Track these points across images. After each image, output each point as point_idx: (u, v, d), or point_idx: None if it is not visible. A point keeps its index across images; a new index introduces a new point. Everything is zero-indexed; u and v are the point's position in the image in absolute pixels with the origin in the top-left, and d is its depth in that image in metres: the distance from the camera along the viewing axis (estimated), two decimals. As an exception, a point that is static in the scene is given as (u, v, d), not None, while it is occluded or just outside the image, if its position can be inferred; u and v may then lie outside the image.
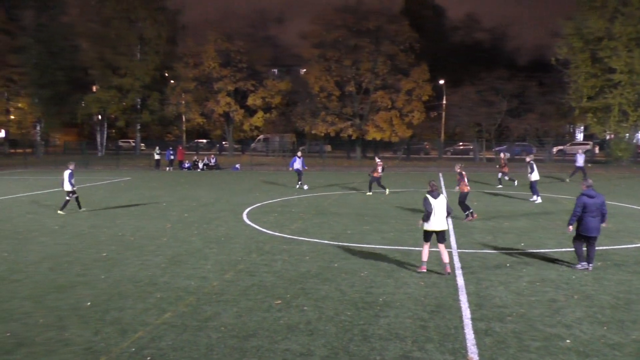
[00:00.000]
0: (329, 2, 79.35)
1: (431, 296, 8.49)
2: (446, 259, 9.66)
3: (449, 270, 9.62)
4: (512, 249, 11.79)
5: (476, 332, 7.02)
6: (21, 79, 49.94)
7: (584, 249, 10.13)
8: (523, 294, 8.62)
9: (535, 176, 19.77)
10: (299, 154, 25.18)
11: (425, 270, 9.62)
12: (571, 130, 61.91)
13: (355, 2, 48.39)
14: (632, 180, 29.53)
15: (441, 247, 9.67)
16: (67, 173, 17.20)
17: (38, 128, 56.33)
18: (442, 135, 54.43)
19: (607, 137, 44.85)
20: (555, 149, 48.61)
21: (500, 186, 25.33)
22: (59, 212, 17.05)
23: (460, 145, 57.63)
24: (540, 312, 7.78)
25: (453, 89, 50.69)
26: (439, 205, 9.56)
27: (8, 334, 6.94)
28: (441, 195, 9.73)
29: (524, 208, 18.17)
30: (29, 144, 56.83)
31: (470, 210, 15.52)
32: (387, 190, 22.47)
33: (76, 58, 51.94)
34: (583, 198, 9.86)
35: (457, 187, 15.62)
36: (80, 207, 17.61)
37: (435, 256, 10.20)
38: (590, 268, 9.96)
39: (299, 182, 24.44)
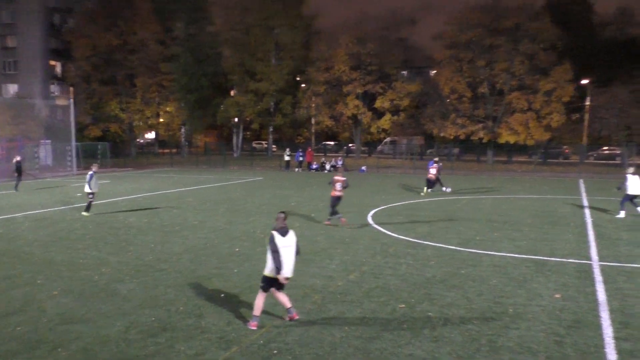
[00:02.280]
0: (465, 1, 77.23)
1: (568, 310, 7.89)
2: (288, 303, 7.49)
3: (296, 316, 7.49)
4: (666, 265, 10.59)
5: (619, 352, 6.40)
6: (170, 85, 54.68)
7: None
8: (678, 315, 7.70)
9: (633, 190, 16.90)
10: (437, 159, 24.80)
11: (255, 328, 7.20)
12: None
13: (493, 1, 46.50)
14: None
15: (280, 293, 7.49)
16: (88, 175, 16.83)
17: (183, 130, 61.30)
18: (585, 138, 50.36)
19: None
20: None
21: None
22: (83, 213, 16.85)
23: (605, 150, 53.00)
24: (699, 337, 6.90)
25: (600, 89, 46.66)
26: (289, 245, 7.29)
27: (153, 319, 7.60)
28: (290, 232, 7.39)
29: (682, 220, 16.24)
30: (175, 145, 62.06)
31: (339, 216, 14.95)
32: (428, 191, 23.38)
33: (219, 64, 55.74)
34: None
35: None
36: (87, 211, 16.84)
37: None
38: None
39: (442, 187, 24.16)
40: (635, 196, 16.72)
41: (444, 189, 23.98)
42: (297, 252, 7.46)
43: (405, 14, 61.22)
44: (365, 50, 51.23)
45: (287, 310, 7.47)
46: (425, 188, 23.77)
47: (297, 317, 7.47)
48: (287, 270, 7.21)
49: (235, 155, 57.45)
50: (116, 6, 53.72)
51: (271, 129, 59.87)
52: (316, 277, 9.71)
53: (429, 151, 54.85)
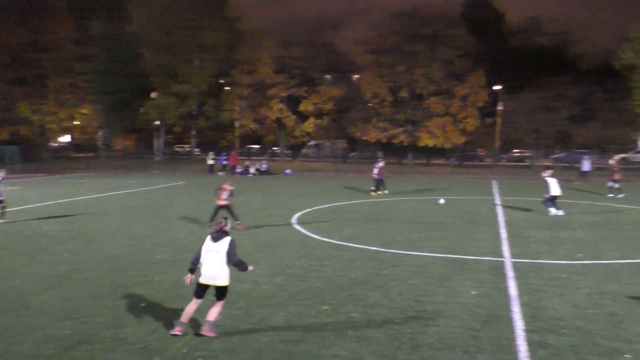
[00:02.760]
0: (386, 8, 79.32)
1: (483, 306, 8.31)
2: (213, 317, 7.10)
3: (212, 333, 7.01)
4: (569, 260, 11.39)
5: (530, 344, 6.82)
6: (86, 86, 52.31)
7: None
8: (580, 306, 8.32)
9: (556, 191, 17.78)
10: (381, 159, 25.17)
11: (179, 333, 7.01)
12: (636, 138, 59.09)
13: (413, 7, 48.18)
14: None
15: (218, 303, 7.19)
16: None
17: (100, 133, 58.83)
18: (497, 142, 53.15)
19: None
20: (618, 157, 46.55)
21: (611, 195, 23.90)
22: None
23: (516, 153, 56.18)
24: (598, 325, 7.49)
25: (511, 95, 49.47)
26: (215, 250, 7.11)
27: (69, 332, 7.26)
28: (226, 239, 7.20)
29: (584, 218, 17.51)
30: (92, 149, 59.45)
31: (237, 222, 14.76)
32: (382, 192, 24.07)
33: (139, 65, 53.99)
34: None
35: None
36: (2, 218, 15.99)
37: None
38: None
39: (381, 189, 24.48)
40: (556, 197, 17.69)
41: (386, 191, 24.50)
42: (231, 261, 7.08)
43: (329, 20, 61.95)
44: (289, 54, 51.48)
45: (207, 325, 7.03)
46: (374, 188, 24.40)
47: (211, 334, 6.97)
48: (203, 276, 6.99)
49: (156, 159, 55.87)
50: (28, 1, 50.74)
51: (194, 132, 58.77)
52: (242, 282, 9.64)
53: (351, 154, 55.87)
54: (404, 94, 47.10)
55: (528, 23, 69.42)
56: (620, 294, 8.93)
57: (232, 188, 15.20)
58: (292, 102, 53.67)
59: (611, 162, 26.09)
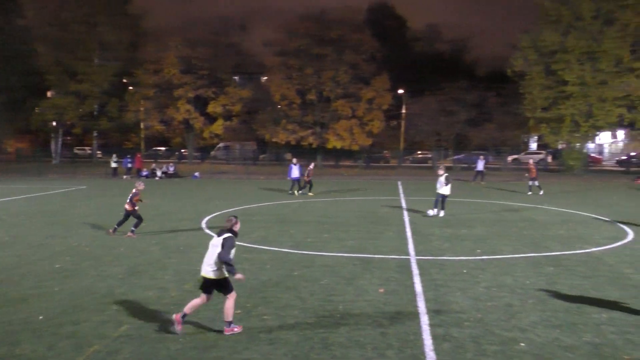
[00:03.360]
0: (293, 11, 79.88)
1: (391, 303, 8.60)
2: (228, 316, 7.27)
3: (237, 328, 7.32)
4: (469, 256, 12.05)
5: (434, 337, 7.15)
6: (-28, 83, 48.15)
7: None
8: (480, 299, 8.83)
9: (446, 190, 18.08)
10: (295, 161, 25.44)
11: (239, 329, 7.32)
12: (526, 140, 63.72)
13: (319, 11, 48.87)
14: (583, 188, 30.58)
15: (226, 299, 7.35)
16: None
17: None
18: (402, 144, 55.21)
19: (560, 147, 46.39)
20: (510, 158, 50.00)
21: (530, 193, 25.52)
22: None
23: (419, 154, 58.59)
24: (496, 316, 7.98)
25: (414, 99, 51.57)
26: (213, 244, 7.36)
27: (-44, 350, 6.68)
28: (224, 235, 7.35)
29: (481, 216, 18.58)
30: (-21, 152, 54.83)
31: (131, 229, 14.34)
32: (300, 193, 24.90)
33: (33, 62, 50.40)
34: None
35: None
36: None
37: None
38: None
39: (299, 190, 25.18)
40: (446, 196, 18.42)
41: (301, 192, 25.10)
42: (220, 257, 7.15)
43: (236, 20, 61.17)
44: (196, 54, 50.42)
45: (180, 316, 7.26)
46: (298, 189, 25.27)
47: (179, 328, 7.19)
48: (202, 268, 7.33)
49: (54, 162, 52.57)
50: None
51: (96, 134, 55.98)
52: (149, 290, 9.33)
53: (261, 155, 55.72)
54: (312, 96, 47.69)
55: (428, 30, 72.77)
56: (515, 286, 9.58)
57: (140, 188, 14.63)
58: (200, 103, 52.64)
59: (530, 161, 27.49)
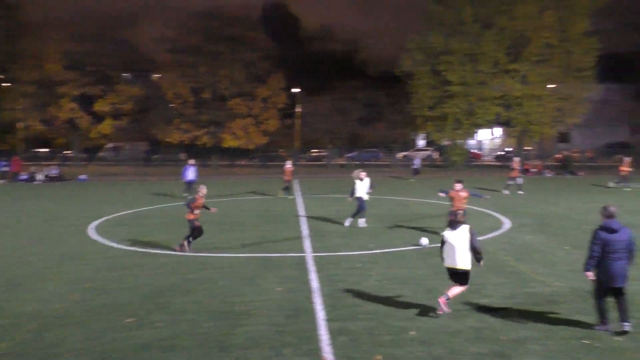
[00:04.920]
0: (186, 7, 77.78)
1: (288, 301, 8.68)
2: (450, 293, 8.04)
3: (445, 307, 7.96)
4: (363, 250, 12.45)
5: (331, 332, 7.31)
6: None
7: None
8: (374, 291, 9.16)
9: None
10: (191, 161, 24.20)
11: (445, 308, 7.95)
12: (414, 138, 66.90)
13: (213, 8, 47.94)
14: (466, 182, 32.63)
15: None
16: None
17: None
18: (297, 142, 55.78)
19: (445, 144, 49.23)
20: (400, 155, 52.26)
21: (507, 192, 25.01)
22: None
23: (315, 153, 59.48)
24: (389, 307, 8.33)
25: (309, 97, 52.26)
26: (454, 239, 7.97)
27: None
28: (462, 227, 7.94)
29: (376, 211, 19.21)
30: None
31: None
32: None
33: None
34: (601, 233, 7.28)
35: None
36: None
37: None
38: (627, 326, 7.20)
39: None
40: (363, 199, 16.23)
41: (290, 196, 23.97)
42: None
43: (125, 15, 58.64)
44: (81, 49, 47.54)
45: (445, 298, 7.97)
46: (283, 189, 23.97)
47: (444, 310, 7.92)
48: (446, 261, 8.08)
49: None
50: None
51: (-35, 135, 51.02)
52: (29, 303, 8.68)
53: (154, 156, 53.75)
54: (206, 94, 46.79)
55: (322, 30, 74.09)
56: (407, 278, 10.05)
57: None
58: (86, 102, 49.68)
59: (514, 160, 26.75)
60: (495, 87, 42.74)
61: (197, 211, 12.43)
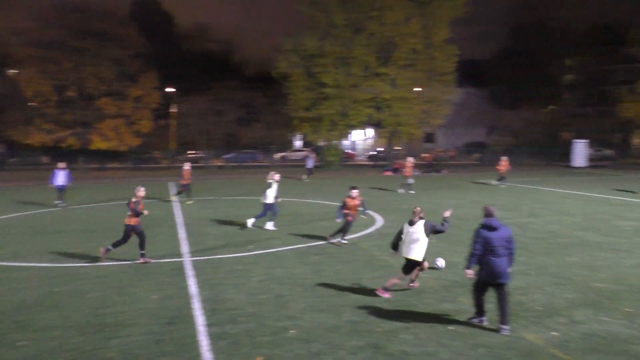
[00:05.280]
0: (48, -2, 71.86)
1: (166, 308, 8.41)
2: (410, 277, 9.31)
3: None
4: (242, 252, 12.40)
5: (211, 337, 7.22)
6: None
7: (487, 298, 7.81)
8: (253, 293, 9.17)
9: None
10: (62, 165, 22.09)
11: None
12: (291, 138, 67.79)
13: (78, 1, 44.82)
14: (341, 180, 33.74)
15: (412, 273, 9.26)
16: None
17: None
18: (172, 143, 54.06)
19: (321, 144, 50.48)
20: (278, 155, 52.69)
21: (401, 190, 25.43)
22: None
23: (191, 154, 58.05)
24: (268, 308, 8.39)
25: (184, 97, 50.84)
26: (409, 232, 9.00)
27: None
28: (419, 222, 8.96)
29: (250, 212, 19.18)
30: None
31: None
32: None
33: None
34: (482, 231, 7.54)
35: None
36: None
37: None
38: (505, 331, 7.39)
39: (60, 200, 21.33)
40: (273, 204, 15.78)
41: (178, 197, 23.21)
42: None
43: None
44: None
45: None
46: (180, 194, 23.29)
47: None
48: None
49: None
50: None
51: None
52: None
53: (11, 159, 49.09)
54: (71, 93, 43.76)
55: (197, 29, 72.31)
56: (285, 277, 10.18)
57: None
58: None
59: (408, 160, 26.72)
60: (366, 89, 44.55)
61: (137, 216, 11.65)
